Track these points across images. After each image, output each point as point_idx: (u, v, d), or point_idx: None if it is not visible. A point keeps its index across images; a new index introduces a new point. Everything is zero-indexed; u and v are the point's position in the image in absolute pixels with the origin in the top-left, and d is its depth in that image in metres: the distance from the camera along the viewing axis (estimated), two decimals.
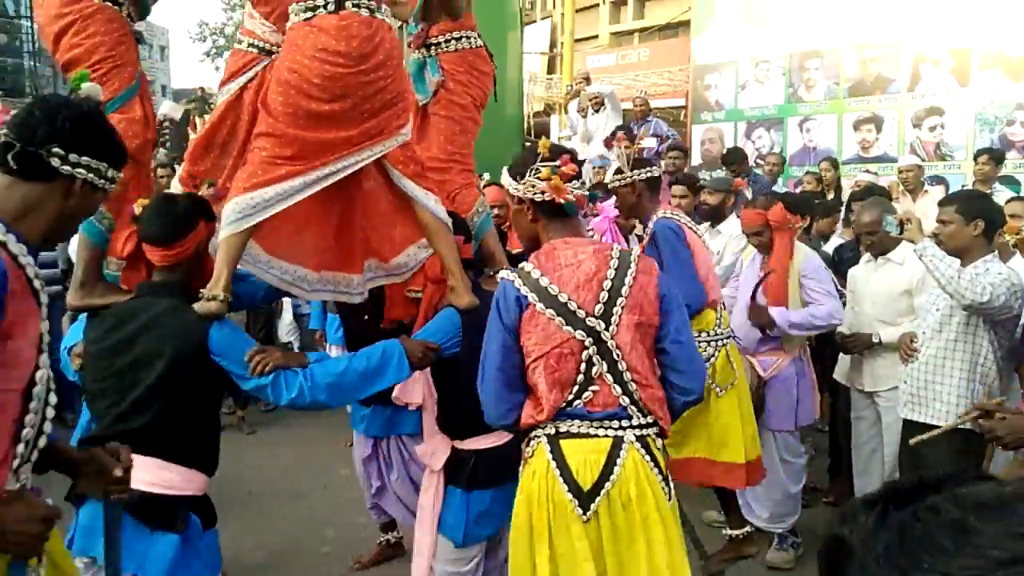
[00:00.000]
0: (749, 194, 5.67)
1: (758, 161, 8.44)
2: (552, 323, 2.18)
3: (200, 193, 2.84)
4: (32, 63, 39.67)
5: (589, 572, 2.12)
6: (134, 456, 2.29)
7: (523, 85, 9.53)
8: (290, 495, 4.94)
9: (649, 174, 3.53)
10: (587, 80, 10.88)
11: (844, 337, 4.13)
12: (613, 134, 8.64)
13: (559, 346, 2.18)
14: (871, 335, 4.02)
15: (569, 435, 2.19)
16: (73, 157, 1.70)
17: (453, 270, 2.72)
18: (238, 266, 2.57)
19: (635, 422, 2.21)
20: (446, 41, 3.10)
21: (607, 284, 2.20)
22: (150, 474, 2.30)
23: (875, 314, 4.05)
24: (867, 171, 7.00)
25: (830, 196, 6.83)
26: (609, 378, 2.19)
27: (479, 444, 2.77)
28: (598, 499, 2.14)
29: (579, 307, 2.19)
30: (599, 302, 2.19)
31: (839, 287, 4.47)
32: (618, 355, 2.18)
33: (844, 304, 4.33)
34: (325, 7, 2.50)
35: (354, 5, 2.50)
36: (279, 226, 2.63)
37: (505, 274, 2.32)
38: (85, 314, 2.63)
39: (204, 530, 2.39)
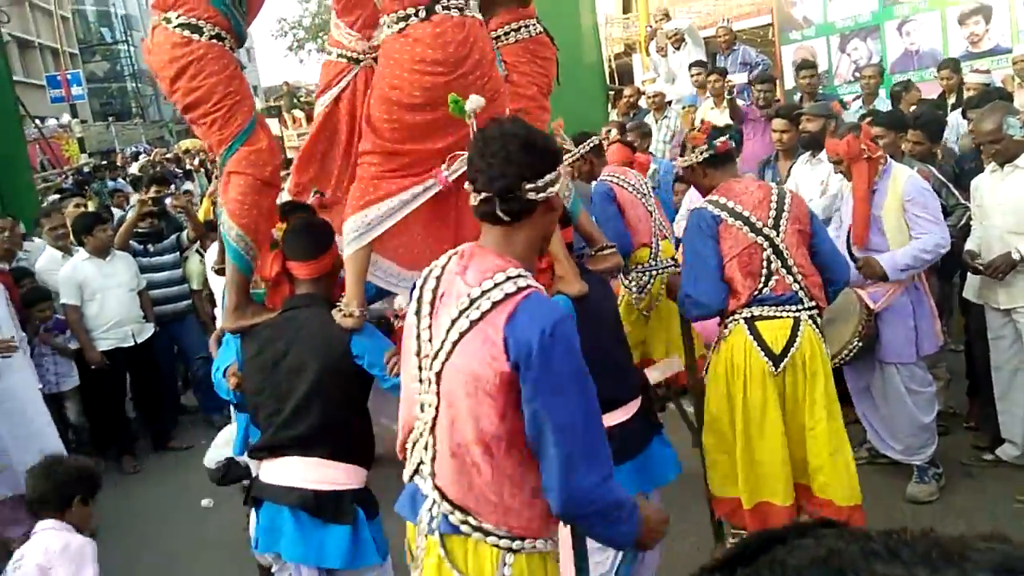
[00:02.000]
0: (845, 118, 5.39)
1: (855, 75, 7.98)
2: (740, 231, 3.02)
3: (308, 201, 3.05)
4: (134, 85, 41.96)
5: (776, 414, 3.01)
6: (298, 459, 2.56)
7: (599, 30, 9.29)
8: None
9: (592, 144, 4.58)
10: (666, 16, 10.52)
11: (975, 258, 3.83)
12: (693, 68, 8.35)
13: (747, 247, 3.02)
14: (1010, 253, 3.68)
15: (761, 317, 3.03)
16: (540, 183, 1.75)
17: (560, 258, 2.68)
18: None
19: (805, 305, 3.04)
20: (505, 34, 3.03)
21: (774, 204, 3.05)
22: (317, 473, 2.55)
23: (1006, 227, 3.75)
24: (977, 70, 6.47)
25: (951, 101, 6.36)
26: (783, 271, 3.02)
27: (608, 421, 2.83)
28: (785, 360, 3.00)
29: (757, 220, 3.02)
30: (770, 216, 3.03)
31: (962, 200, 4.23)
32: (787, 254, 3.02)
33: (969, 219, 4.10)
34: (416, 15, 2.47)
35: (444, 8, 2.46)
36: (403, 240, 2.73)
37: (700, 203, 3.14)
38: (236, 336, 2.81)
39: (369, 520, 2.58)
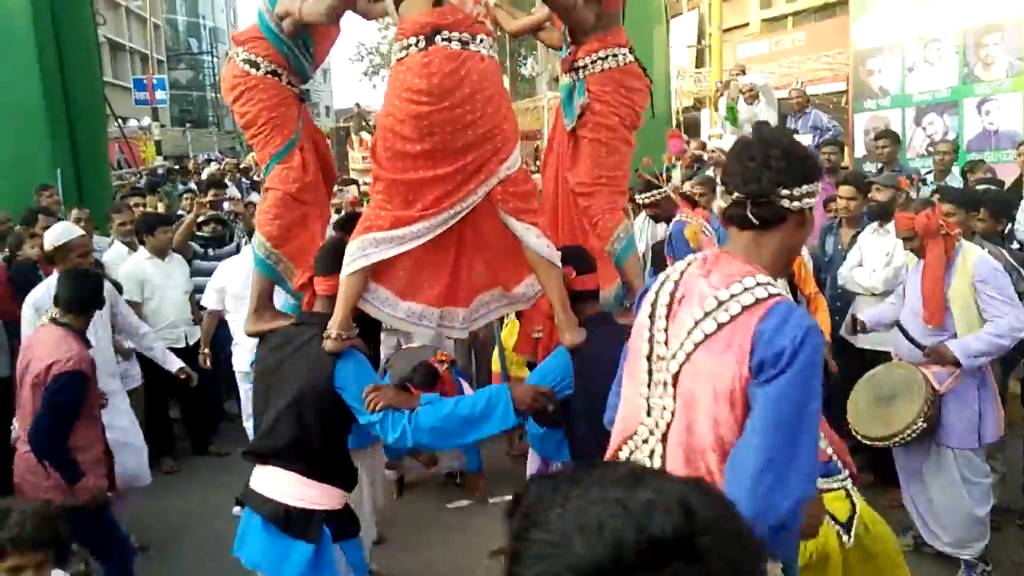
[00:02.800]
0: (914, 193, 5.29)
1: (929, 150, 7.83)
2: None
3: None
4: (214, 95, 43.47)
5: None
6: (279, 471, 2.59)
7: (670, 81, 9.32)
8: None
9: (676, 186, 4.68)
10: (742, 71, 10.52)
11: None
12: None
13: None
14: None
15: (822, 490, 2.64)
16: (797, 191, 1.71)
17: (556, 306, 2.69)
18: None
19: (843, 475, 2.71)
20: (592, 62, 3.02)
21: None
22: (292, 488, 2.59)
23: None
24: None
25: None
26: None
27: None
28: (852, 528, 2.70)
29: None
30: None
31: None
32: None
33: None
34: (416, 44, 2.54)
35: (443, 39, 2.52)
36: (401, 269, 2.72)
37: None
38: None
39: (339, 540, 2.60)
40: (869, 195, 5.23)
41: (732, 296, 1.65)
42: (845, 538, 2.67)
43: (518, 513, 0.66)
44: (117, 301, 4.66)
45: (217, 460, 5.86)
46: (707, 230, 4.59)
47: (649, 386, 1.76)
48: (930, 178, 6.60)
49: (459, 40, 2.53)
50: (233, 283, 4.90)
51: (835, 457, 2.63)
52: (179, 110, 41.00)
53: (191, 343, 5.74)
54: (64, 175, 7.94)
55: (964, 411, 3.60)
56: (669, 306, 1.76)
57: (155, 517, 4.82)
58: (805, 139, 7.55)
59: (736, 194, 1.72)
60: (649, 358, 1.77)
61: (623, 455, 1.81)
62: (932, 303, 3.63)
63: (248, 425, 4.57)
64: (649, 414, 1.75)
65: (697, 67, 16.85)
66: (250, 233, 6.08)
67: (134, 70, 32.90)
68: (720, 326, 1.64)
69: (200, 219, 6.44)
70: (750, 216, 1.71)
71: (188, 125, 26.41)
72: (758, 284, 1.66)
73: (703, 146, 8.75)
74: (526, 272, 2.82)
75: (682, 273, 1.79)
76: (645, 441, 1.76)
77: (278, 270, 3.01)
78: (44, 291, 4.19)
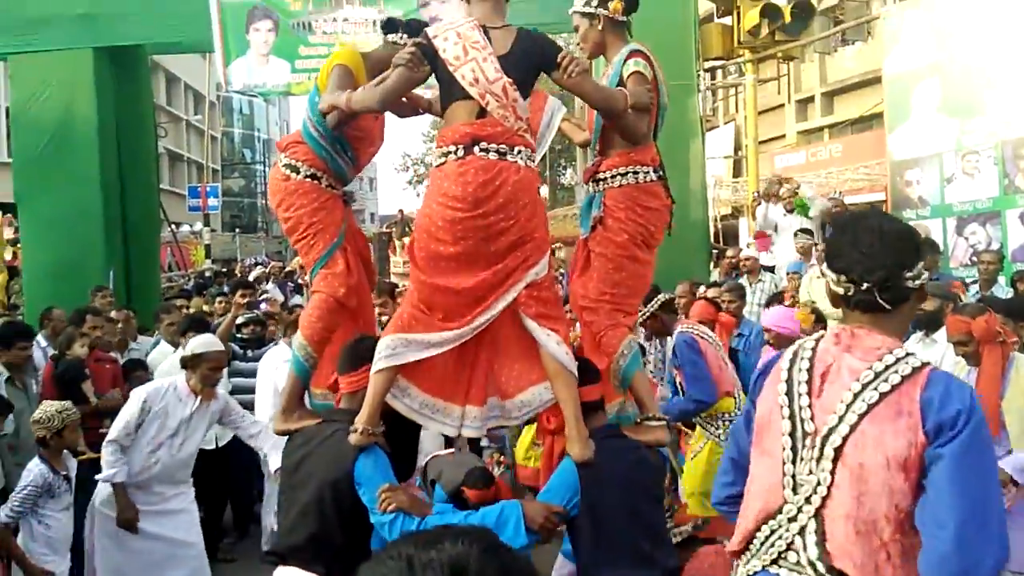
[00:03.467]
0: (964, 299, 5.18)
1: (972, 259, 7.73)
2: None
3: None
4: (263, 202, 45.19)
5: None
6: (298, 572, 2.53)
7: (707, 190, 9.45)
8: None
9: (660, 300, 4.44)
10: (779, 181, 10.55)
11: None
12: (800, 234, 8.28)
13: None
14: None
15: None
16: (916, 271, 1.80)
17: (570, 418, 2.64)
18: None
19: None
20: (612, 177, 2.96)
21: None
22: None
23: None
24: None
25: None
26: None
27: None
28: None
29: None
30: None
31: None
32: None
33: None
34: (455, 152, 2.63)
35: (482, 149, 2.59)
36: (428, 366, 2.72)
37: None
38: None
39: None
40: None
41: (887, 367, 1.72)
42: None
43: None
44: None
45: (224, 566, 5.53)
46: (709, 336, 4.53)
47: (795, 463, 1.78)
48: (974, 287, 6.48)
49: (496, 151, 2.60)
50: (281, 377, 4.90)
51: None
52: (230, 215, 42.58)
53: (220, 445, 5.73)
54: (116, 277, 8.23)
55: (1021, 533, 3.38)
56: (810, 383, 1.80)
57: None
58: None
59: (864, 284, 1.77)
60: (792, 435, 1.79)
61: (761, 535, 1.82)
62: (987, 415, 3.48)
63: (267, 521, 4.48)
64: (796, 491, 1.77)
65: (735, 176, 17.12)
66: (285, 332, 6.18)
67: (190, 178, 34.48)
68: (882, 396, 1.69)
69: (239, 321, 6.55)
70: (880, 301, 1.77)
71: (237, 230, 27.37)
72: (908, 354, 1.75)
73: (740, 253, 8.73)
74: (534, 381, 2.78)
75: (813, 351, 1.84)
76: (793, 519, 1.77)
77: (312, 371, 3.04)
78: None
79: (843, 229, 1.87)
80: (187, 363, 4.16)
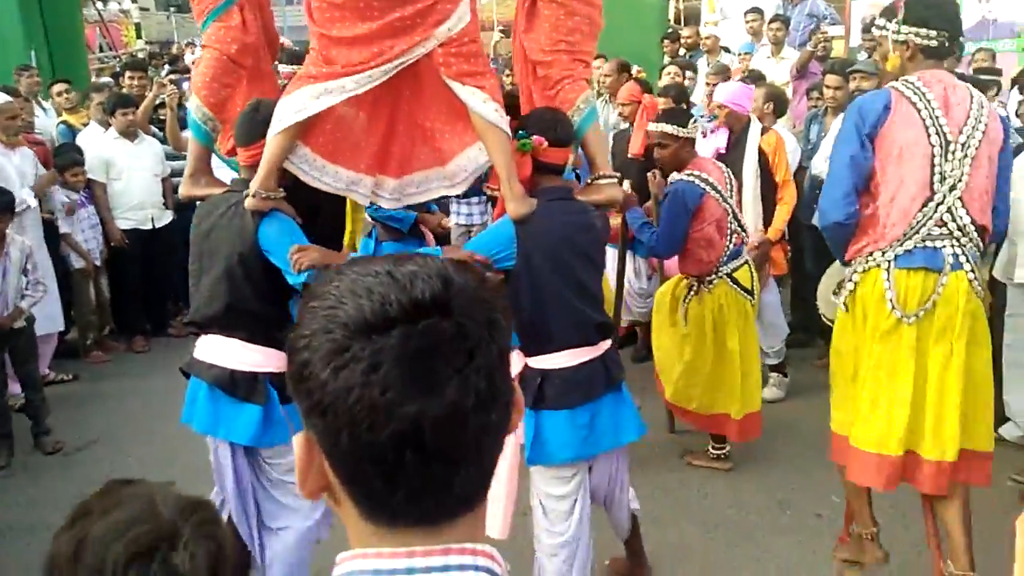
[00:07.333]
0: None
1: None
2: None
3: None
4: None
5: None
6: (221, 338, 2.62)
7: None
8: None
9: (688, 135, 3.78)
10: None
11: None
12: (749, 15, 7.96)
13: None
14: None
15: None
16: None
17: (502, 175, 2.56)
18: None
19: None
20: None
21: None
22: (236, 354, 2.61)
23: None
24: None
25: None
26: None
27: (546, 363, 2.64)
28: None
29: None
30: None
31: None
32: None
33: None
34: None
35: None
36: (331, 131, 2.61)
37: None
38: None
39: (287, 403, 2.59)
40: (851, 86, 5.12)
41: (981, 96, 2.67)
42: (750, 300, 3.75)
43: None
44: None
45: (182, 340, 5.72)
46: (715, 190, 3.80)
47: (944, 162, 2.60)
48: None
49: None
50: None
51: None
52: None
53: (158, 226, 5.71)
54: (38, 57, 7.76)
55: None
56: (943, 107, 2.60)
57: (127, 392, 4.98)
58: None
59: (958, 38, 2.69)
60: (941, 144, 2.60)
61: (920, 217, 2.63)
62: None
63: None
64: (942, 182, 2.61)
65: None
66: None
67: None
68: (987, 115, 2.65)
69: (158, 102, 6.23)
70: (952, 48, 2.69)
71: (172, 10, 25.35)
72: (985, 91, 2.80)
73: (697, 34, 8.43)
74: (468, 144, 2.69)
75: (923, 92, 2.62)
76: (940, 202, 2.62)
77: (215, 136, 2.88)
78: None
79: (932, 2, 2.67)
80: None
